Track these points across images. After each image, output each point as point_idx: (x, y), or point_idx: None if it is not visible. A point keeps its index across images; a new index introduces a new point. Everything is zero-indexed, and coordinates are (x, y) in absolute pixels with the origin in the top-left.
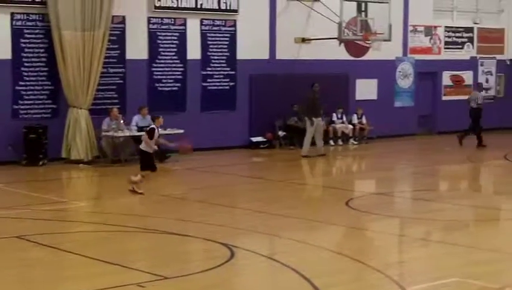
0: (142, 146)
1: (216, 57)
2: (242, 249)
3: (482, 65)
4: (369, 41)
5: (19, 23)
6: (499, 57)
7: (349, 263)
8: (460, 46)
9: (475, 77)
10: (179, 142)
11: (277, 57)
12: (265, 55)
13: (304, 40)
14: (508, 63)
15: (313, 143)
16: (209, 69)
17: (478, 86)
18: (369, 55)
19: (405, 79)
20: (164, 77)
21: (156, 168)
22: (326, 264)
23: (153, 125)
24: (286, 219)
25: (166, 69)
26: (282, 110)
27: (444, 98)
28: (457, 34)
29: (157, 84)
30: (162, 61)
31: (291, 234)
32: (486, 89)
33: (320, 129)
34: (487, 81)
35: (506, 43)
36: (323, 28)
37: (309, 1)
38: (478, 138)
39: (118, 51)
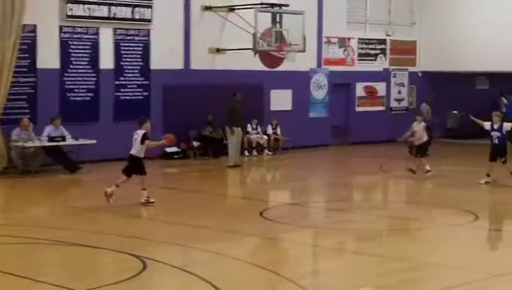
0: (134, 151)
1: (130, 67)
2: (155, 261)
3: (394, 77)
4: (283, 52)
5: None
6: (411, 68)
7: (264, 274)
8: (373, 58)
9: (388, 88)
10: (165, 136)
11: (191, 67)
12: (180, 65)
13: (218, 50)
14: (420, 74)
15: (227, 153)
16: (123, 78)
17: (426, 100)
18: (284, 66)
19: (319, 90)
20: (76, 86)
21: (146, 172)
22: (241, 275)
23: (143, 130)
24: (200, 229)
25: (79, 78)
26: (197, 121)
27: (358, 109)
28: (371, 46)
29: (69, 94)
30: (74, 70)
31: (205, 245)
32: (399, 100)
33: (239, 139)
34: (399, 92)
35: (418, 56)
36: (238, 39)
37: (224, 11)
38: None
39: (28, 60)
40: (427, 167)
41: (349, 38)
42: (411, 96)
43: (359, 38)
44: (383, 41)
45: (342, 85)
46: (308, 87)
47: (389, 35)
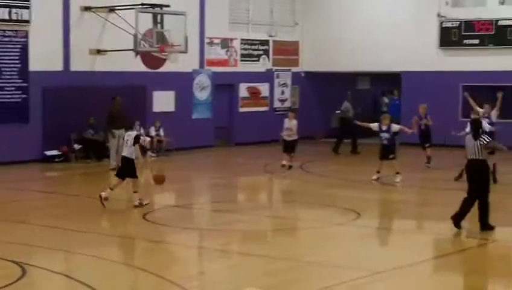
0: (125, 153)
1: (7, 69)
2: (35, 267)
3: (277, 77)
4: (165, 53)
5: None
6: (294, 69)
7: (148, 277)
8: (256, 59)
9: (271, 89)
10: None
11: (72, 69)
12: (59, 67)
13: (99, 51)
14: (303, 75)
15: (109, 156)
16: (0, 81)
17: (347, 97)
18: (166, 67)
19: (202, 91)
20: None
21: (137, 176)
22: (124, 279)
23: (136, 132)
24: (82, 234)
25: None
26: (78, 123)
27: (241, 109)
28: (253, 47)
29: None
30: None
31: (87, 250)
32: (283, 101)
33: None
34: (283, 92)
35: (300, 56)
36: (119, 40)
37: (104, 12)
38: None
39: None
40: (284, 162)
41: (231, 39)
42: (294, 97)
43: (242, 39)
44: (265, 42)
45: (225, 86)
46: (191, 88)
47: (271, 36)
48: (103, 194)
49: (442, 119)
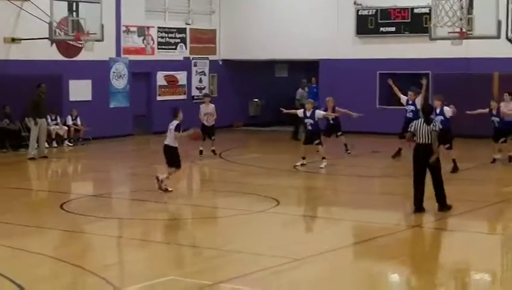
0: (169, 141)
1: None
2: None
3: (195, 66)
4: (81, 42)
5: None
6: (211, 57)
7: (66, 267)
8: (173, 47)
9: (189, 77)
10: (192, 130)
11: None
12: None
13: (13, 40)
14: (220, 63)
15: (27, 145)
16: None
17: (301, 84)
18: (82, 56)
19: (119, 79)
20: None
21: (181, 166)
22: (42, 270)
23: (177, 121)
24: None
25: None
26: None
27: (159, 98)
28: (170, 35)
29: None
30: None
31: (4, 241)
32: (201, 89)
33: (44, 131)
34: (201, 81)
35: (217, 44)
36: (34, 28)
37: (18, 0)
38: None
39: None
40: (201, 148)
41: (148, 27)
42: (212, 85)
43: (159, 27)
44: (183, 30)
45: (142, 74)
46: (108, 77)
47: (188, 24)
48: (161, 176)
49: (360, 106)
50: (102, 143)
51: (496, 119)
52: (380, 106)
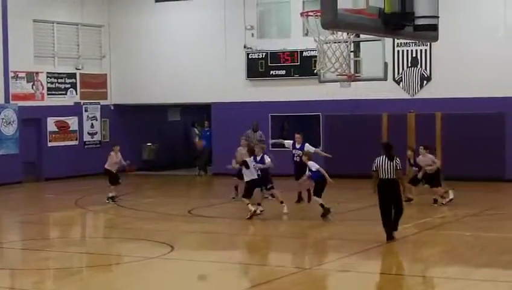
0: (247, 176)
1: None
2: None
3: (86, 110)
4: None
5: None
6: (102, 102)
7: None
8: (63, 92)
9: (80, 122)
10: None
11: None
12: None
13: None
14: (112, 108)
15: None
16: None
17: (253, 127)
18: None
19: (8, 126)
20: None
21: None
22: None
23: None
24: None
25: None
26: None
27: (50, 144)
28: (60, 80)
29: None
30: None
31: None
32: (93, 134)
33: None
34: (92, 126)
35: (109, 89)
36: None
37: None
38: None
39: None
40: (110, 194)
41: (37, 73)
42: (104, 130)
43: (48, 73)
44: (73, 75)
45: (32, 120)
46: None
47: (78, 69)
48: (251, 207)
49: None
50: None
51: (415, 169)
52: (272, 148)
